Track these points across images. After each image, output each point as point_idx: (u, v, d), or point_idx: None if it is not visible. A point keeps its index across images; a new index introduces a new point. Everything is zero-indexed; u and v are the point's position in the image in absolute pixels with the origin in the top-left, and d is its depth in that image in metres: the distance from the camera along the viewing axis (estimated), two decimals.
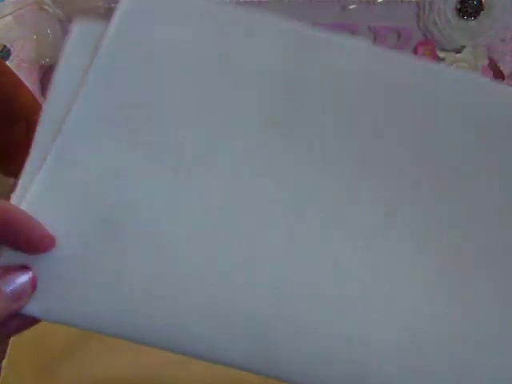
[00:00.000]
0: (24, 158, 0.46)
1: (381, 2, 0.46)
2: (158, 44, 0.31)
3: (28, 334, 0.27)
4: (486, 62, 0.48)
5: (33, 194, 0.30)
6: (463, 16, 0.46)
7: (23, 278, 0.26)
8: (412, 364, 0.27)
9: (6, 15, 0.43)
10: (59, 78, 0.31)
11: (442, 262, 0.29)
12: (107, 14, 0.46)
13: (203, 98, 0.31)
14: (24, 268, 0.26)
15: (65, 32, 0.45)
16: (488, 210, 0.31)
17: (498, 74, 0.49)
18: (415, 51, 0.48)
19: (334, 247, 0.28)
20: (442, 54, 0.48)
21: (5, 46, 0.45)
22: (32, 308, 0.26)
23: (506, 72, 0.49)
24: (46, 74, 0.46)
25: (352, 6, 0.46)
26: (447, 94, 0.34)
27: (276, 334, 0.27)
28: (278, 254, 0.28)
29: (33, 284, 0.27)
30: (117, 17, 0.32)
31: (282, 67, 0.31)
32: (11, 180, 0.46)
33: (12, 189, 0.48)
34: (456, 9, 0.46)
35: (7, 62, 0.43)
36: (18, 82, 0.41)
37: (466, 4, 0.46)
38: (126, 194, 0.28)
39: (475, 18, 0.46)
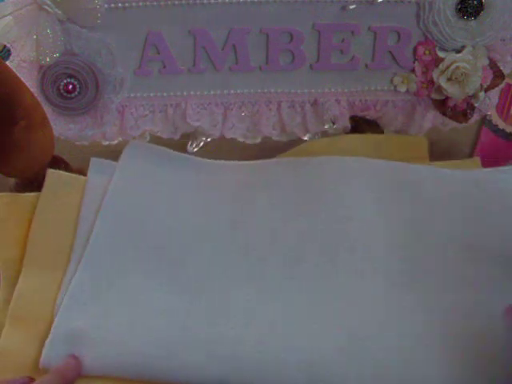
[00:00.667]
0: (23, 158, 0.46)
1: (381, 2, 0.46)
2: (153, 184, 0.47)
3: None
4: (486, 62, 0.48)
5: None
6: (463, 16, 0.46)
7: None
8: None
9: (6, 15, 0.43)
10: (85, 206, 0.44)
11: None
12: (107, 14, 0.46)
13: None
14: None
15: (65, 32, 0.45)
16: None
17: (498, 74, 0.49)
18: (415, 51, 0.48)
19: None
20: (441, 54, 0.48)
21: (5, 46, 0.45)
22: None
23: (505, 72, 0.49)
24: (45, 74, 0.46)
25: (352, 6, 0.46)
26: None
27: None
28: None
29: None
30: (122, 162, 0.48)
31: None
32: (11, 180, 0.46)
33: (12, 189, 0.48)
34: (456, 9, 0.46)
35: (7, 62, 0.43)
36: (17, 83, 0.41)
37: (466, 4, 0.46)
38: None
39: (475, 17, 0.46)
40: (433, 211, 0.44)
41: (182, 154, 0.50)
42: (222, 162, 0.48)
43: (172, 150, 0.50)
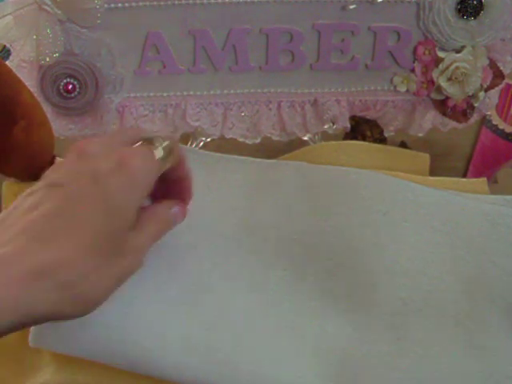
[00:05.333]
0: (23, 158, 0.46)
1: (381, 2, 0.46)
2: None
3: None
4: (486, 61, 0.48)
5: None
6: (463, 16, 0.46)
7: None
8: None
9: (6, 15, 0.43)
10: None
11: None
12: (107, 14, 0.46)
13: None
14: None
15: (65, 32, 0.45)
16: None
17: (498, 74, 0.49)
18: (415, 51, 0.48)
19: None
20: (441, 54, 0.48)
21: (5, 46, 0.45)
22: None
23: (505, 72, 0.49)
24: (45, 74, 0.46)
25: (352, 6, 0.46)
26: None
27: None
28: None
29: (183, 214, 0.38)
30: None
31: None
32: (3, 184, 0.46)
33: (4, 193, 0.48)
34: (456, 9, 0.46)
35: (7, 62, 0.43)
36: (17, 82, 0.41)
37: (466, 4, 0.46)
38: None
39: (475, 17, 0.46)
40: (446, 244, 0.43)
41: (194, 149, 0.49)
42: (234, 157, 0.47)
43: (185, 146, 0.50)
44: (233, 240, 0.42)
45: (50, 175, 0.33)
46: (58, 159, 0.45)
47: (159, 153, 0.34)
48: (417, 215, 0.43)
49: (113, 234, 0.32)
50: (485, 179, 0.48)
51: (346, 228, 0.42)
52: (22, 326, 0.29)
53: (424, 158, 0.50)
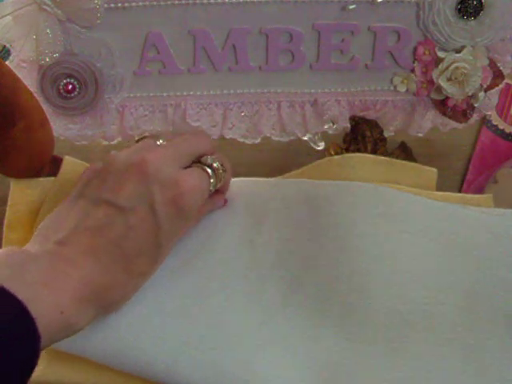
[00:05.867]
0: (23, 158, 0.46)
1: (381, 2, 0.46)
2: None
3: None
4: (486, 61, 0.48)
5: None
6: (463, 16, 0.46)
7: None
8: None
9: (6, 15, 0.43)
10: None
11: None
12: (107, 14, 0.46)
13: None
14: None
15: (65, 32, 0.45)
16: None
17: (498, 74, 0.49)
18: (415, 51, 0.48)
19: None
20: (441, 54, 0.48)
21: (4, 46, 0.45)
22: None
23: (505, 72, 0.49)
24: (45, 74, 0.46)
25: (352, 6, 0.46)
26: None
27: None
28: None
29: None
30: None
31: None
32: (11, 180, 0.46)
33: (11, 189, 0.48)
34: (456, 9, 0.46)
35: (7, 62, 0.43)
36: (17, 83, 0.41)
37: (466, 4, 0.46)
38: None
39: (475, 17, 0.46)
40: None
41: None
42: (236, 179, 0.47)
43: None
44: (233, 252, 0.42)
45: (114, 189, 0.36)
46: (66, 158, 0.45)
47: (212, 180, 0.39)
48: (417, 226, 0.43)
49: (155, 258, 0.36)
50: (490, 195, 0.47)
51: (345, 240, 0.42)
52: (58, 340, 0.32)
53: (431, 173, 0.48)
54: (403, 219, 0.43)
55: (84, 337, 0.36)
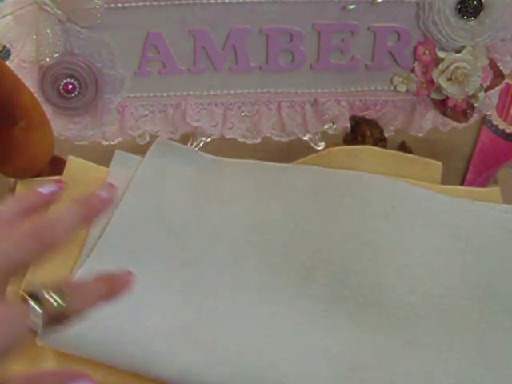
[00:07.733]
0: (23, 158, 0.46)
1: (381, 2, 0.46)
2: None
3: None
4: (486, 61, 0.48)
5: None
6: (463, 16, 0.46)
7: None
8: None
9: (6, 15, 0.43)
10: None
11: None
12: (107, 14, 0.46)
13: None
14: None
15: (65, 32, 0.45)
16: None
17: (498, 74, 0.49)
18: (415, 51, 0.48)
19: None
20: (441, 54, 0.48)
21: (5, 46, 0.45)
22: None
23: (505, 72, 0.49)
24: (45, 74, 0.46)
25: (352, 6, 0.46)
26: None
27: None
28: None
29: None
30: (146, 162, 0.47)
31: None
32: (11, 180, 0.46)
33: (12, 189, 0.48)
34: (456, 9, 0.46)
35: (7, 62, 0.43)
36: (17, 83, 0.41)
37: (466, 4, 0.46)
38: None
39: (475, 17, 0.46)
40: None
41: (207, 155, 0.49)
42: (244, 161, 0.47)
43: (197, 150, 0.50)
44: (243, 241, 0.42)
45: None
46: (70, 158, 0.45)
47: (37, 316, 0.24)
48: (427, 221, 0.43)
49: None
50: (498, 189, 0.48)
51: (355, 231, 0.42)
52: None
53: (436, 167, 0.49)
54: (415, 213, 0.44)
55: (89, 340, 0.36)
